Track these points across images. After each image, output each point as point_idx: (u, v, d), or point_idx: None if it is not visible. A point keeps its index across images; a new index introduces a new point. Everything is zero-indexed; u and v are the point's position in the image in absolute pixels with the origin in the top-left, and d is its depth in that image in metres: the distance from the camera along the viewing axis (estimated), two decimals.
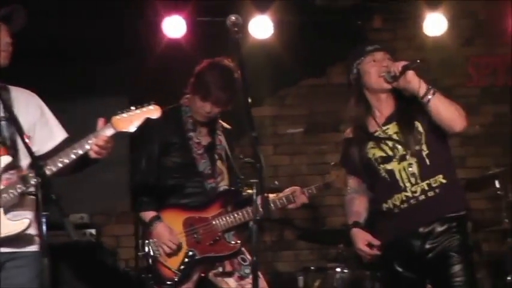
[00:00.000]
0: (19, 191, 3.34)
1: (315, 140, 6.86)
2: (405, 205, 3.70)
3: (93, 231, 5.60)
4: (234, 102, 4.23)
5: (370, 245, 3.72)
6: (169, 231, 4.10)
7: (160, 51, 5.92)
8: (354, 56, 3.88)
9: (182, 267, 4.10)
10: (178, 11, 5.95)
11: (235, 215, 4.19)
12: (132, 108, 3.48)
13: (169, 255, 4.09)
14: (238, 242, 4.23)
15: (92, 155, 3.34)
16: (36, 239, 3.39)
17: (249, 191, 4.26)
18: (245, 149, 6.01)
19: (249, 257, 4.19)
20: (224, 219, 4.18)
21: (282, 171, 6.64)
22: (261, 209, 3.40)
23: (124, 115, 3.44)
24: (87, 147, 3.32)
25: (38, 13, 4.47)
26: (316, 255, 6.49)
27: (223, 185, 4.31)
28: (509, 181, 5.73)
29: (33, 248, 3.41)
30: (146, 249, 4.11)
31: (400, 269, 3.73)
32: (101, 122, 3.40)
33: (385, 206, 3.76)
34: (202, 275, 4.21)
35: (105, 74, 6.20)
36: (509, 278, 5.53)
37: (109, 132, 3.36)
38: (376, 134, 3.78)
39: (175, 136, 4.12)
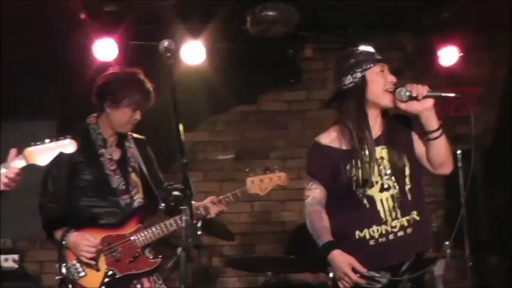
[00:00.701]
0: None
1: (245, 166, 6.77)
2: (383, 239, 3.52)
3: (16, 256, 5.43)
4: (150, 103, 4.18)
5: (354, 271, 3.44)
6: (84, 237, 3.97)
7: (91, 75, 5.82)
8: (360, 59, 3.58)
9: (99, 285, 3.99)
10: (110, 34, 5.87)
11: (154, 230, 4.09)
12: (47, 140, 3.39)
13: (86, 275, 3.98)
14: (159, 257, 4.14)
15: (1, 186, 3.25)
16: None
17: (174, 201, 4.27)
18: (175, 175, 5.97)
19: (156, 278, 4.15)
20: (142, 234, 4.07)
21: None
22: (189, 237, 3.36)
23: (37, 147, 3.35)
24: None
25: None
26: (243, 283, 6.46)
27: (139, 198, 4.21)
28: (433, 211, 5.75)
29: None
30: (64, 272, 3.99)
31: None
32: (12, 152, 3.32)
33: (358, 234, 3.54)
34: None
35: (36, 98, 6.06)
36: None
37: (20, 164, 3.29)
38: (371, 151, 3.53)
39: (82, 155, 3.95)
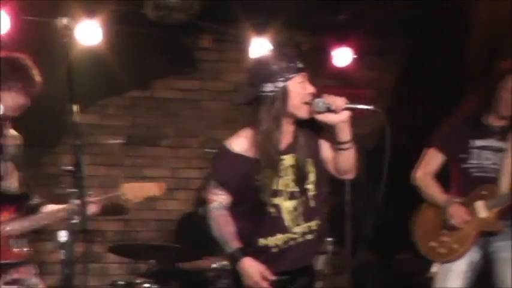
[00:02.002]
0: None
1: (134, 152, 6.73)
2: (286, 246, 3.50)
3: None
4: (35, 90, 3.99)
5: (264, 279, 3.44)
6: None
7: None
8: (283, 67, 3.43)
9: None
10: (3, 5, 5.60)
11: (27, 221, 3.93)
12: None
13: None
14: (30, 249, 3.98)
15: None
16: None
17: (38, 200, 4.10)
18: (61, 157, 5.77)
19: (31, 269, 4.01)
20: (14, 224, 3.89)
21: (97, 182, 6.42)
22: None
23: None
24: None
25: None
26: (125, 269, 6.38)
27: (13, 186, 4.01)
28: None
29: None
30: None
31: None
32: None
33: (262, 241, 3.51)
34: None
35: None
36: None
37: None
38: (279, 160, 3.48)
39: None
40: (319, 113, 3.41)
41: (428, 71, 6.74)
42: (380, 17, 6.58)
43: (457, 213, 4.40)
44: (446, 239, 4.46)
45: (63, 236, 3.44)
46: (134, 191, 4.11)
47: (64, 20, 3.39)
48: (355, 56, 6.72)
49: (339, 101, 3.38)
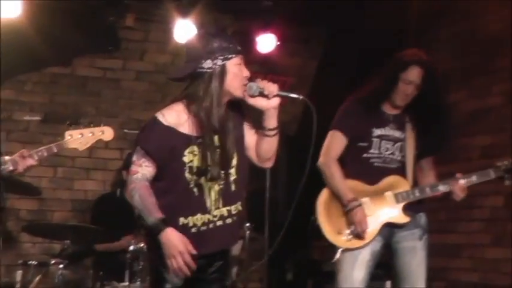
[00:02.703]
0: None
1: (52, 130, 6.60)
2: (204, 228, 3.46)
3: None
4: None
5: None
6: None
7: None
8: (222, 46, 3.43)
9: None
10: None
11: None
12: None
13: None
14: None
15: None
16: None
17: None
18: None
19: None
20: None
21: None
22: None
23: None
24: None
25: None
26: (38, 249, 6.32)
27: None
28: None
29: None
30: None
31: (171, 283, 3.51)
32: None
33: (182, 220, 3.47)
34: None
35: None
36: None
37: None
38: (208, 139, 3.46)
39: None
40: (252, 96, 3.43)
41: (348, 58, 6.78)
42: (304, 6, 6.60)
43: (359, 221, 4.34)
44: (350, 229, 4.42)
45: None
46: (79, 138, 4.03)
47: None
48: (279, 43, 6.69)
49: (272, 87, 3.41)
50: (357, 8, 6.45)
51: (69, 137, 4.04)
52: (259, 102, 3.43)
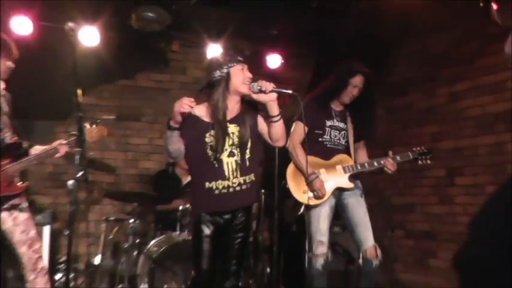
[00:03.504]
0: None
1: (122, 126, 6.71)
2: (225, 191, 3.54)
3: None
4: (14, 55, 3.95)
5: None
6: None
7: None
8: (227, 59, 3.58)
9: None
10: (26, 13, 5.48)
11: (23, 161, 3.88)
12: None
13: None
14: (26, 183, 3.96)
15: None
16: None
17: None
18: (70, 125, 5.71)
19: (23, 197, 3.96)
20: (14, 166, 3.85)
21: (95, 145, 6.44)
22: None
23: None
24: None
25: None
26: (115, 209, 6.39)
27: (8, 136, 3.92)
28: None
29: None
30: None
31: (208, 232, 3.59)
32: None
33: (207, 184, 3.54)
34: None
35: None
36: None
37: None
38: (225, 126, 3.55)
39: None
40: (254, 92, 3.50)
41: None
42: (298, 32, 6.59)
43: (319, 188, 4.32)
44: (313, 194, 4.38)
45: (71, 184, 3.45)
46: (90, 133, 3.99)
47: (70, 25, 3.37)
48: (282, 61, 6.72)
49: (268, 85, 3.48)
50: (341, 32, 6.45)
51: (89, 132, 3.99)
52: (261, 97, 3.50)
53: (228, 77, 3.57)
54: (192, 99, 3.47)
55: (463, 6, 5.25)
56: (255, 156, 3.64)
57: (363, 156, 4.58)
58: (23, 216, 3.89)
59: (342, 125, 4.53)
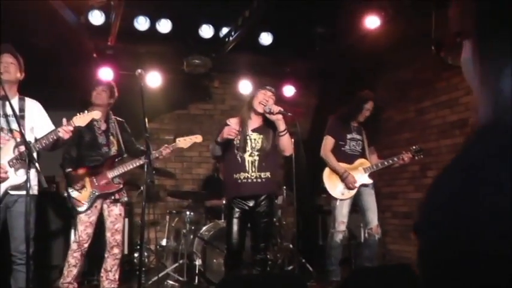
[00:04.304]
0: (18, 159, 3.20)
1: None
2: (245, 180, 3.56)
3: (54, 185, 5.12)
4: (115, 95, 4.07)
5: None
6: (75, 179, 3.85)
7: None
8: (258, 87, 3.74)
9: (87, 199, 3.84)
10: (109, 65, 5.62)
11: (119, 168, 3.94)
12: (86, 111, 3.40)
13: (80, 193, 3.83)
14: (121, 183, 4.00)
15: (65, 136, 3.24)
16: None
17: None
18: (141, 144, 5.76)
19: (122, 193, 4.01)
20: (112, 170, 3.93)
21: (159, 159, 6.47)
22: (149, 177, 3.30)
23: (79, 115, 3.32)
24: (60, 134, 3.20)
25: None
26: (176, 204, 6.35)
27: (113, 150, 4.03)
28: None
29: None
30: (67, 191, 3.90)
31: (236, 214, 3.59)
32: (64, 120, 3.26)
33: (234, 175, 3.59)
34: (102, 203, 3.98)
35: (64, 96, 5.58)
36: None
37: (70, 126, 3.24)
38: (247, 133, 3.60)
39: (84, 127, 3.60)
40: (266, 112, 3.54)
41: (333, 95, 6.79)
42: (304, 68, 6.58)
43: (352, 181, 4.37)
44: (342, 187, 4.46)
45: (143, 187, 3.48)
46: (183, 142, 4.08)
47: (139, 72, 3.43)
48: (295, 90, 6.71)
49: (275, 108, 3.51)
50: (336, 68, 6.46)
51: (178, 142, 4.10)
52: (271, 116, 3.54)
53: (252, 98, 3.67)
54: (236, 129, 3.55)
55: (420, 46, 5.27)
56: (270, 159, 3.64)
57: (374, 158, 4.61)
58: (117, 210, 3.96)
59: (358, 136, 4.56)
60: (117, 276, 3.96)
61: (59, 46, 5.07)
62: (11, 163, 3.15)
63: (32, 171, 3.16)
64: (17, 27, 4.37)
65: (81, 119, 3.30)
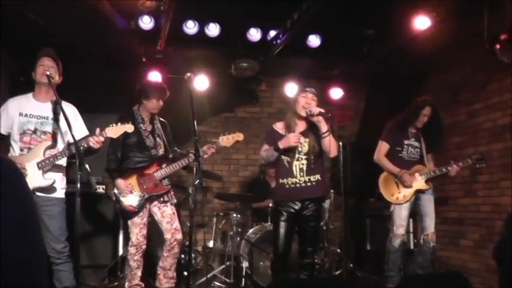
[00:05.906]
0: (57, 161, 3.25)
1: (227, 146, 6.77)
2: (293, 186, 3.57)
3: (103, 186, 5.27)
4: (166, 96, 4.08)
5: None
6: (124, 183, 3.92)
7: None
8: (299, 90, 3.78)
9: (137, 203, 3.93)
10: (157, 69, 5.76)
11: (166, 169, 3.99)
12: (119, 124, 3.41)
13: (128, 196, 3.91)
14: (169, 184, 4.06)
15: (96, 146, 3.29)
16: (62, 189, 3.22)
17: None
18: (188, 147, 5.92)
19: (171, 195, 4.06)
20: (160, 172, 3.98)
21: (207, 162, 6.56)
22: (197, 179, 3.37)
23: (111, 128, 3.35)
24: (90, 143, 3.25)
25: None
26: (223, 207, 6.42)
27: (161, 152, 4.09)
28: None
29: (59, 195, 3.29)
30: (115, 193, 3.99)
31: (283, 217, 3.59)
32: (98, 129, 3.31)
33: (281, 180, 3.62)
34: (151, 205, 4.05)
35: (109, 101, 5.55)
36: None
37: (102, 136, 3.29)
38: None
39: None
40: (307, 115, 3.56)
41: (381, 100, 6.66)
42: (352, 71, 6.51)
43: (408, 179, 4.37)
44: (399, 191, 4.44)
45: (190, 189, 3.55)
46: (226, 140, 4.09)
47: (188, 75, 3.51)
48: (343, 93, 6.64)
49: (315, 109, 3.53)
50: (385, 70, 6.33)
51: (221, 140, 4.10)
52: (313, 118, 3.54)
53: (295, 101, 3.69)
54: (300, 137, 3.54)
55: (472, 47, 5.08)
56: (318, 161, 3.62)
57: (432, 165, 4.57)
58: (169, 210, 4.01)
59: (416, 143, 4.53)
60: (175, 275, 4.05)
61: (111, 52, 5.25)
62: (39, 165, 3.16)
63: (59, 175, 3.25)
64: (71, 34, 4.58)
65: (113, 131, 3.32)
